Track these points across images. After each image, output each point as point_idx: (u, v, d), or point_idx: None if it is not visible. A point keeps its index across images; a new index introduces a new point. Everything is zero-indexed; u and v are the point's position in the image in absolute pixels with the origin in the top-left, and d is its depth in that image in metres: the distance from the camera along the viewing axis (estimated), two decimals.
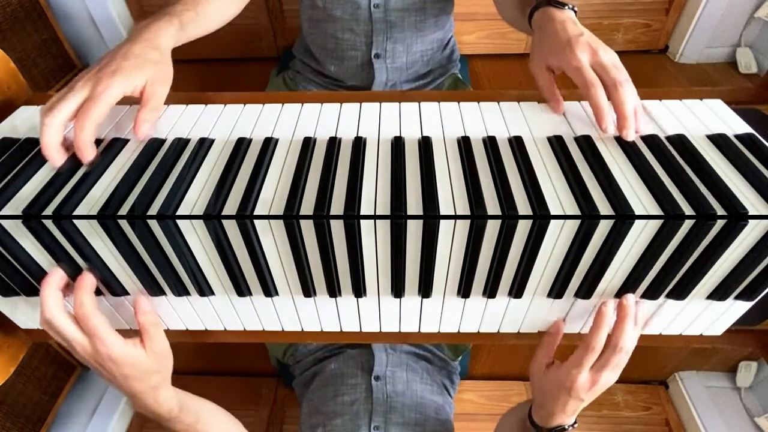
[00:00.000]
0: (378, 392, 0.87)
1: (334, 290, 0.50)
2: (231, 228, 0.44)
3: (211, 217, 0.43)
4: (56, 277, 0.47)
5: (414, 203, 0.44)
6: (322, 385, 0.91)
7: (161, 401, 0.52)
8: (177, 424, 0.56)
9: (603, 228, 0.43)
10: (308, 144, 0.51)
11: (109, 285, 0.51)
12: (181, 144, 0.52)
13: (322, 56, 0.95)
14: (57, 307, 0.46)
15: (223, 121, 0.55)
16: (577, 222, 0.42)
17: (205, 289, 0.51)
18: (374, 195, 0.45)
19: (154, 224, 0.44)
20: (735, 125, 0.53)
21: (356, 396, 0.87)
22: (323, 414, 0.87)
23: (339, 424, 0.84)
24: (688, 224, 0.42)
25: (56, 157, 0.47)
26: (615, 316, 0.51)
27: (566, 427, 0.59)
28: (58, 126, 0.47)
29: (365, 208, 0.44)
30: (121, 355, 0.47)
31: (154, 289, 0.51)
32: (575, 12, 0.57)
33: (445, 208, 0.43)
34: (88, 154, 0.47)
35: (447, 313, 0.54)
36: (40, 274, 0.49)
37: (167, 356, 0.52)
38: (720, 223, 0.42)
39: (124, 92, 0.48)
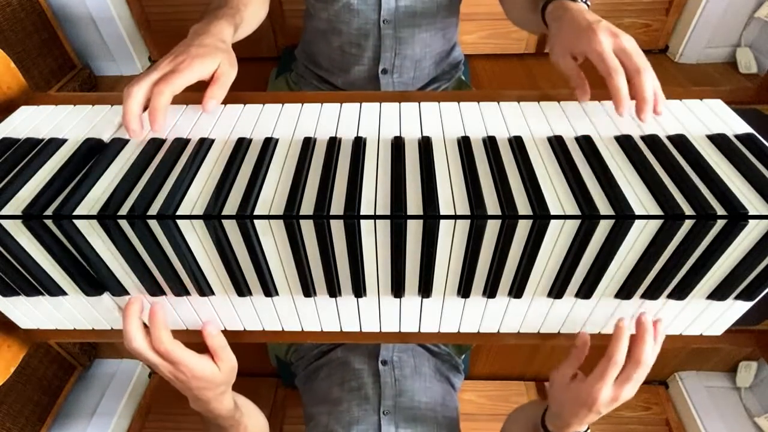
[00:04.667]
0: (386, 376, 0.86)
1: (334, 290, 0.50)
2: (231, 228, 0.44)
3: (211, 217, 0.43)
4: (136, 306, 0.51)
5: (414, 203, 0.44)
6: (327, 375, 0.90)
7: (224, 405, 0.60)
8: (230, 420, 0.63)
9: (603, 228, 0.43)
10: (308, 144, 0.51)
11: (111, 285, 0.51)
12: (181, 144, 0.52)
13: (328, 66, 0.92)
14: (141, 339, 0.51)
15: (223, 121, 0.55)
16: (577, 222, 0.42)
17: (205, 289, 0.51)
18: (374, 195, 0.45)
19: (154, 224, 0.44)
20: (735, 125, 0.53)
21: (363, 381, 0.86)
22: (329, 402, 0.85)
23: (346, 409, 0.83)
24: (688, 224, 0.42)
25: (136, 126, 0.51)
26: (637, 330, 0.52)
27: None
28: (141, 96, 0.51)
29: (365, 208, 0.43)
30: (201, 373, 0.54)
31: (154, 289, 0.51)
32: (588, 5, 0.58)
33: (445, 208, 0.43)
34: (160, 119, 0.50)
35: (447, 313, 0.54)
36: (40, 274, 0.49)
37: (234, 370, 0.58)
38: (720, 223, 0.42)
39: (200, 75, 0.53)
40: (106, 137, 0.54)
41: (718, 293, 0.49)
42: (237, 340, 0.58)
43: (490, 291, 0.49)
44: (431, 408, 0.85)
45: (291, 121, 0.55)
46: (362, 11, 0.80)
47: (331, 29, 0.85)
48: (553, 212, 0.42)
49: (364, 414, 0.82)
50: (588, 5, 0.58)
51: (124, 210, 0.44)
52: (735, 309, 0.52)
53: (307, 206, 0.44)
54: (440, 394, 0.89)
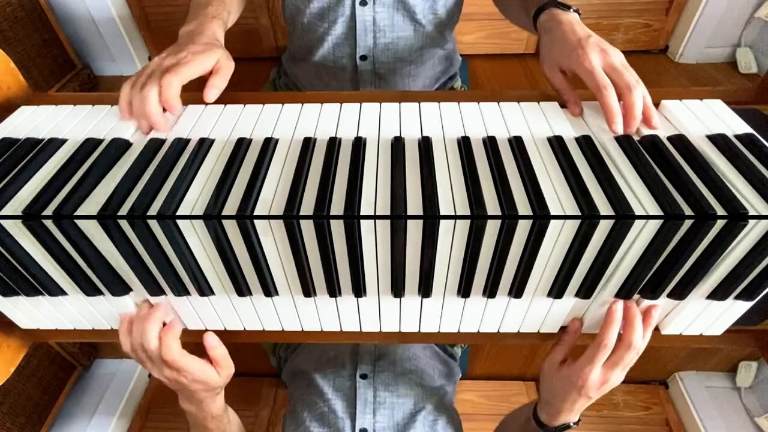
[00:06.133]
0: (365, 344, 0.84)
1: (334, 290, 0.50)
2: (231, 228, 0.44)
3: (211, 217, 0.43)
4: (160, 312, 0.53)
5: (414, 203, 0.44)
6: (307, 352, 0.90)
7: (216, 404, 0.63)
8: (217, 422, 0.64)
9: (603, 228, 0.43)
10: (308, 144, 0.51)
11: (111, 285, 0.51)
12: (181, 144, 0.52)
13: (309, 89, 0.89)
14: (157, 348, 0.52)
15: (223, 121, 0.55)
16: (577, 222, 0.42)
17: (205, 289, 0.51)
18: (374, 195, 0.45)
19: (154, 224, 0.44)
20: (735, 125, 0.53)
21: (342, 349, 0.85)
22: (307, 375, 0.85)
23: (321, 378, 0.82)
24: (687, 224, 0.42)
25: (164, 127, 0.53)
26: (625, 315, 0.51)
27: (571, 424, 0.60)
28: (156, 95, 0.51)
29: (365, 208, 0.43)
30: (201, 378, 0.55)
31: (154, 289, 0.51)
32: (579, 14, 0.58)
33: (445, 208, 0.43)
34: (177, 106, 0.52)
35: (447, 313, 0.54)
36: (40, 274, 0.49)
37: (230, 375, 0.60)
38: (720, 223, 0.42)
39: (203, 69, 0.54)
40: (106, 137, 0.54)
41: (718, 293, 0.49)
42: (237, 340, 0.58)
43: (490, 291, 0.49)
44: (416, 373, 0.83)
45: (291, 121, 0.55)
46: (337, 45, 0.78)
47: (308, 54, 0.82)
48: (553, 212, 0.42)
49: (341, 381, 0.81)
50: (579, 14, 0.58)
51: (124, 210, 0.44)
52: (735, 309, 0.52)
53: (307, 206, 0.44)
54: (427, 364, 0.87)
